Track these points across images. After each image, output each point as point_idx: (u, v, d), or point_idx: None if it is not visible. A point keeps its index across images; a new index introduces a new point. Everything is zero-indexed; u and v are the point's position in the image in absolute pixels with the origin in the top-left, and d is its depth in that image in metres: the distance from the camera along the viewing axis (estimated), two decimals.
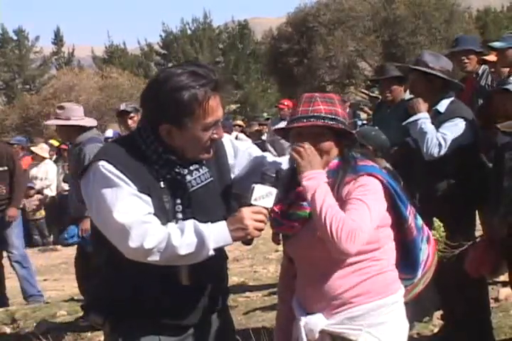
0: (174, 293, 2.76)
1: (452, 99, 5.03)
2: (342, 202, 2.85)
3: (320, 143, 2.95)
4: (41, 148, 13.64)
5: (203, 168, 2.84)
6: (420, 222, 3.11)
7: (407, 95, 6.04)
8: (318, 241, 2.87)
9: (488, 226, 4.88)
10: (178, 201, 2.74)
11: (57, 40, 43.88)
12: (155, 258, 2.58)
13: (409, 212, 3.01)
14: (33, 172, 13.35)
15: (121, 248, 2.60)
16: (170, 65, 40.67)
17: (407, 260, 3.02)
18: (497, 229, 4.38)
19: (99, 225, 2.67)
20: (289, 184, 3.03)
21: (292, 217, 2.98)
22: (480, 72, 6.42)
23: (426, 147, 4.82)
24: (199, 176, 2.82)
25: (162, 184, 2.71)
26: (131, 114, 7.40)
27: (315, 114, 2.94)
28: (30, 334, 6.68)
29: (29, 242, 13.71)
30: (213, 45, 40.27)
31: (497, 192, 4.40)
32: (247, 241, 2.70)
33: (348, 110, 3.27)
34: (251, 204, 2.70)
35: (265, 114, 15.55)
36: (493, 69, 6.35)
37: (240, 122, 16.44)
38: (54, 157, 14.38)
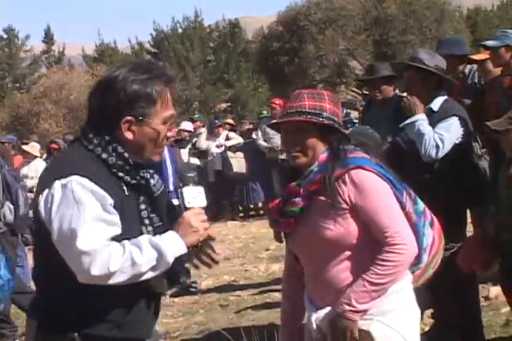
0: (138, 304, 2.72)
1: (446, 97, 5.04)
2: (334, 201, 2.90)
3: (302, 139, 3.00)
4: (32, 147, 13.58)
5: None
6: (421, 206, 3.13)
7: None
8: (315, 236, 2.94)
9: (479, 224, 4.90)
10: (143, 206, 2.72)
11: (48, 38, 43.68)
12: (119, 279, 2.52)
13: (406, 198, 3.04)
14: (24, 170, 13.27)
15: (81, 274, 2.51)
16: (160, 63, 40.57)
17: None
18: (487, 229, 4.41)
19: (58, 247, 2.55)
20: (285, 183, 3.09)
21: (287, 214, 3.03)
22: (467, 71, 6.42)
23: (424, 149, 4.82)
24: (157, 180, 2.81)
25: (126, 191, 2.67)
26: None
27: (298, 110, 3.00)
28: (22, 334, 6.66)
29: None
30: (204, 43, 40.16)
31: (493, 193, 4.42)
32: (196, 246, 2.70)
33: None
34: (186, 208, 2.71)
35: (265, 112, 15.47)
36: (480, 68, 6.34)
37: (230, 121, 16.42)
38: (44, 156, 14.33)
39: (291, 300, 3.26)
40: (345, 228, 2.93)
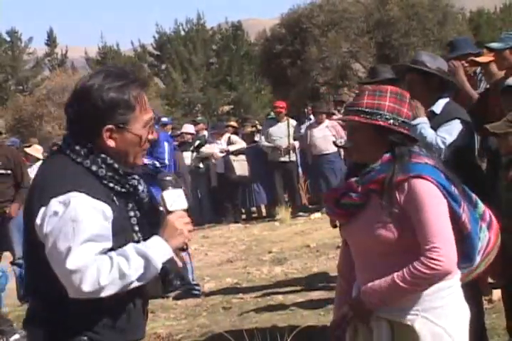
0: (137, 309, 2.77)
1: (448, 100, 5.03)
2: (390, 205, 2.97)
3: (356, 137, 3.09)
4: (35, 149, 13.59)
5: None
6: (481, 209, 3.22)
7: None
8: (366, 233, 3.02)
9: None
10: (132, 213, 2.74)
11: (51, 41, 43.78)
12: (109, 292, 2.54)
13: (463, 209, 3.07)
14: None
15: (72, 291, 2.53)
16: (163, 66, 40.64)
17: (463, 252, 3.07)
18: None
19: (50, 262, 2.57)
20: (348, 176, 3.17)
21: (343, 206, 3.12)
22: (478, 70, 6.43)
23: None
24: (144, 186, 2.82)
25: (116, 201, 2.68)
26: None
27: (356, 108, 3.06)
28: (23, 336, 6.66)
29: None
30: (207, 46, 40.21)
31: (491, 195, 4.41)
32: (182, 248, 2.72)
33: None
34: (169, 212, 2.72)
35: (272, 113, 15.45)
36: (483, 71, 6.33)
37: (233, 123, 16.38)
38: None
39: (346, 278, 3.36)
40: (393, 233, 2.98)
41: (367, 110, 3.03)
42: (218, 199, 15.05)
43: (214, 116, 34.61)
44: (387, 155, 3.05)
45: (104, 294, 2.54)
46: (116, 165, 2.68)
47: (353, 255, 3.23)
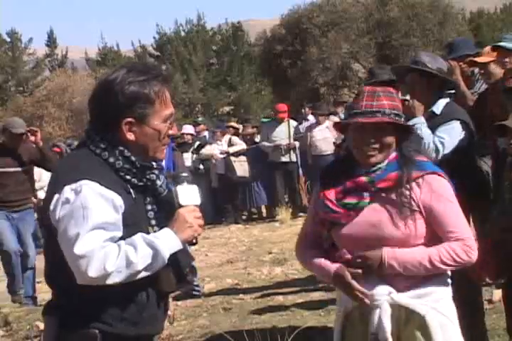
0: (151, 302, 2.79)
1: (448, 100, 5.03)
2: (407, 201, 3.03)
3: (383, 138, 3.08)
4: None
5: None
6: None
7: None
8: (377, 232, 3.05)
9: (482, 234, 4.87)
10: (149, 207, 2.79)
11: (51, 41, 43.78)
12: (115, 279, 2.58)
13: None
14: None
15: (79, 276, 2.58)
16: (163, 66, 40.65)
17: None
18: (490, 233, 4.39)
19: (62, 248, 2.62)
20: (346, 173, 3.15)
21: (349, 206, 3.10)
22: (476, 71, 6.41)
23: (423, 152, 4.82)
24: (163, 181, 2.86)
25: (133, 193, 2.73)
26: None
27: (380, 109, 3.06)
28: (24, 337, 6.66)
29: None
30: (207, 46, 40.21)
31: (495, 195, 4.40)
32: (191, 243, 2.74)
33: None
34: (181, 206, 2.76)
35: (266, 117, 15.43)
36: (482, 71, 6.31)
37: (234, 124, 16.37)
38: None
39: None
40: (411, 230, 3.03)
41: (393, 112, 3.07)
42: (218, 200, 15.05)
43: (214, 117, 34.59)
44: (393, 154, 3.12)
45: (110, 281, 2.57)
46: (133, 158, 2.73)
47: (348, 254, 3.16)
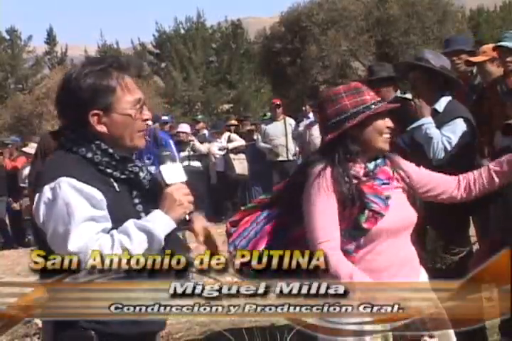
0: None
1: (450, 98, 5.03)
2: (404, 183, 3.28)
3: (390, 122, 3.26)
4: (32, 148, 13.61)
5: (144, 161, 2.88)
6: None
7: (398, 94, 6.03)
8: (407, 219, 3.22)
9: (484, 235, 4.87)
10: (137, 200, 2.75)
11: (50, 39, 43.76)
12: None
13: None
14: (26, 171, 13.30)
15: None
16: (163, 64, 40.63)
17: None
18: (490, 233, 4.39)
19: (53, 247, 2.60)
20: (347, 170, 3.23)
21: (388, 198, 3.17)
22: (475, 71, 6.40)
23: (433, 152, 4.81)
24: (147, 172, 2.82)
25: (117, 187, 2.70)
26: None
27: (379, 99, 3.26)
28: (23, 335, 6.66)
29: (22, 242, 13.71)
30: (206, 44, 40.18)
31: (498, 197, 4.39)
32: (185, 220, 2.72)
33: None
34: (167, 185, 2.72)
35: (269, 114, 15.34)
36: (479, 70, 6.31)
37: (234, 122, 16.36)
38: None
39: None
40: (417, 209, 3.25)
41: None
42: (218, 198, 15.05)
43: (213, 115, 34.60)
44: None
45: None
46: (111, 150, 2.69)
47: (383, 254, 3.15)
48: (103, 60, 2.75)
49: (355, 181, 3.13)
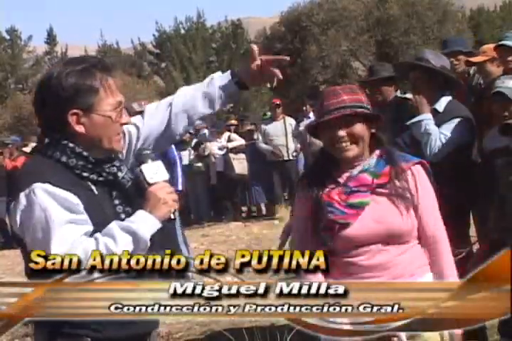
0: None
1: (450, 98, 5.04)
2: (404, 193, 3.11)
3: (350, 129, 3.11)
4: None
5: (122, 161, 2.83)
6: None
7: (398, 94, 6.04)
8: (381, 228, 3.09)
9: (482, 235, 4.87)
10: (117, 202, 2.72)
11: (50, 39, 43.75)
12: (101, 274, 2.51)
13: None
14: None
15: None
16: (163, 64, 40.63)
17: None
18: (490, 233, 4.38)
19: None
20: (330, 175, 3.19)
21: (356, 206, 3.12)
22: (472, 72, 6.41)
23: (430, 148, 4.82)
24: (126, 171, 2.79)
25: (95, 190, 2.67)
26: None
27: (341, 105, 3.11)
28: (23, 335, 6.66)
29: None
30: (207, 44, 40.17)
31: (488, 198, 4.39)
32: (169, 219, 2.70)
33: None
34: (149, 184, 2.69)
35: (269, 113, 15.32)
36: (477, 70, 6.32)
37: (234, 122, 16.36)
38: None
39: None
40: (413, 220, 3.13)
41: (354, 104, 3.12)
42: (218, 198, 15.05)
43: (213, 115, 34.54)
44: (377, 152, 3.20)
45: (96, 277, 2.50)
46: (85, 154, 2.66)
47: (348, 255, 3.15)
48: (85, 60, 2.71)
49: (326, 189, 3.15)
